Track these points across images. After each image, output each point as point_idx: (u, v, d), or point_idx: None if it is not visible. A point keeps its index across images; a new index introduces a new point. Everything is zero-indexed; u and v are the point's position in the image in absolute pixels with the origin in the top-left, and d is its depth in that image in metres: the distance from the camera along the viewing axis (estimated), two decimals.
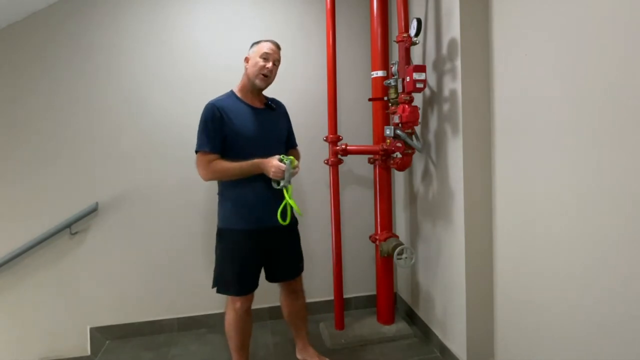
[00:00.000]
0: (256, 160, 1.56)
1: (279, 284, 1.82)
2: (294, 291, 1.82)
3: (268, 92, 1.76)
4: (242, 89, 1.69)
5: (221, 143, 1.58)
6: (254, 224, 1.61)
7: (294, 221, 1.76)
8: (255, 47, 1.66)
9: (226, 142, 1.59)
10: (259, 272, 1.69)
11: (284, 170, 1.54)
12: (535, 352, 1.44)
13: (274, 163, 1.54)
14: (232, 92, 1.69)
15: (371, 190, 2.32)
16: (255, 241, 1.63)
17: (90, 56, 2.11)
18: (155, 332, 2.24)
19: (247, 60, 1.67)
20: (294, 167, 1.58)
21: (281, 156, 1.57)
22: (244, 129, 1.61)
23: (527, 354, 1.49)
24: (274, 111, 1.74)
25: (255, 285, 1.67)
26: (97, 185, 2.14)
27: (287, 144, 1.80)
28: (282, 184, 1.56)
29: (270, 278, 1.77)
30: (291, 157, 1.58)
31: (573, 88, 1.21)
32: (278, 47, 1.68)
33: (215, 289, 1.67)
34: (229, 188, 1.64)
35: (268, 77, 1.64)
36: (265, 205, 1.62)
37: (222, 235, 1.66)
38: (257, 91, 1.69)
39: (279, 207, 1.59)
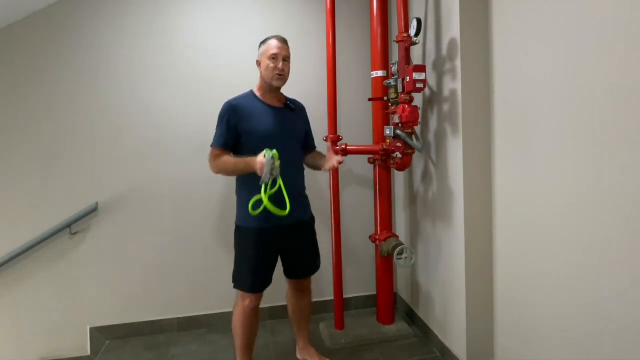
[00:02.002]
0: (248, 158, 1.52)
1: (287, 281, 1.84)
2: (302, 290, 1.83)
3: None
4: (261, 89, 1.70)
5: (232, 140, 1.61)
6: (268, 222, 1.60)
7: (311, 219, 1.78)
8: (263, 49, 1.65)
9: (241, 140, 1.61)
10: (273, 270, 1.70)
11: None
12: (535, 352, 1.44)
13: (259, 159, 1.46)
14: (251, 91, 1.71)
15: (371, 190, 2.32)
16: (270, 240, 1.64)
17: (91, 56, 2.11)
18: (155, 332, 2.24)
19: (259, 64, 1.67)
20: (277, 160, 1.46)
21: (265, 150, 1.46)
22: (259, 128, 1.61)
23: (527, 354, 1.49)
24: (293, 112, 1.74)
25: (268, 282, 1.67)
26: (97, 185, 2.14)
27: (305, 147, 1.80)
28: (261, 180, 1.45)
29: (288, 274, 1.79)
30: (274, 150, 1.47)
31: (573, 88, 1.21)
32: (284, 41, 1.67)
33: (233, 284, 1.68)
34: (244, 186, 1.65)
35: (282, 75, 1.65)
36: None
37: (239, 232, 1.68)
38: (275, 91, 1.70)
39: (295, 205, 1.55)
